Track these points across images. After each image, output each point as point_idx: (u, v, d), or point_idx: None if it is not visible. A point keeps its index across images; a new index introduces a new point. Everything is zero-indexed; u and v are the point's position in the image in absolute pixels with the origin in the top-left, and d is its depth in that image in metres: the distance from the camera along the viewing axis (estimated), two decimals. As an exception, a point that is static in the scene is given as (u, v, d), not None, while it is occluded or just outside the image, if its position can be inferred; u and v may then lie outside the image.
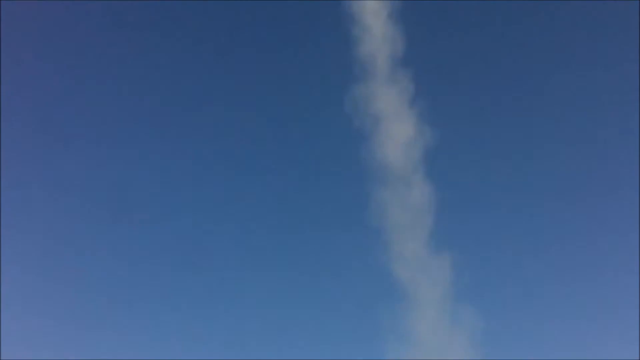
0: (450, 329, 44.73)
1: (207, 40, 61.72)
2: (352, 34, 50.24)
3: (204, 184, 59.19)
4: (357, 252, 50.80)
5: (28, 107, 75.94)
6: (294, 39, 59.38)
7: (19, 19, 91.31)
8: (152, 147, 60.71)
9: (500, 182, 59.64)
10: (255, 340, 52.25)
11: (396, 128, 49.13)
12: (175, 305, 54.92)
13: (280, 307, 52.79)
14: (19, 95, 77.66)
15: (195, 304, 55.11)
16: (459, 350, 44.22)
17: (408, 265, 47.00)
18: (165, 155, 60.58)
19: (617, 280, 52.17)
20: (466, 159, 57.99)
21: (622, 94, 65.40)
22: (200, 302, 55.26)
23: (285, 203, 56.67)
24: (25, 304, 55.18)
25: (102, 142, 67.23)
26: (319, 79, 57.17)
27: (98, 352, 51.52)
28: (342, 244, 53.69)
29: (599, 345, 48.52)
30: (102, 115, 69.50)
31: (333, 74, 54.84)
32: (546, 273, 53.43)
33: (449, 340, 45.08)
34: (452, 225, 48.21)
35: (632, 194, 55.98)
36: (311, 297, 53.34)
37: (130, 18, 61.93)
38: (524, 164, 60.75)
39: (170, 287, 56.14)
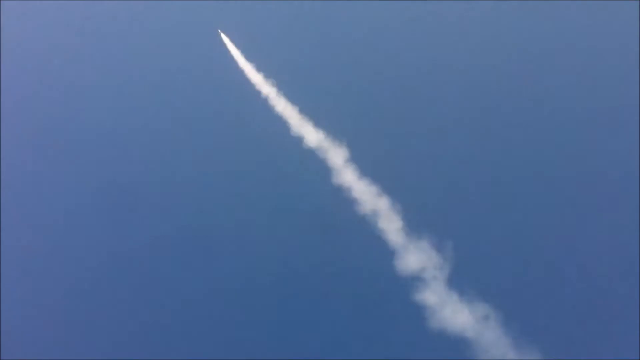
0: None
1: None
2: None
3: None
4: None
5: (28, 107, 77.43)
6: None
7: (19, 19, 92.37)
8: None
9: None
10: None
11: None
12: (175, 305, 55.05)
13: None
14: (18, 95, 78.91)
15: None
16: None
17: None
18: None
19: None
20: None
21: (622, 94, 65.54)
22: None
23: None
24: (25, 304, 55.42)
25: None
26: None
27: (98, 352, 51.69)
28: None
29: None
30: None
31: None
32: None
33: None
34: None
35: (633, 195, 56.39)
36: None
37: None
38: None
39: (170, 288, 56.39)
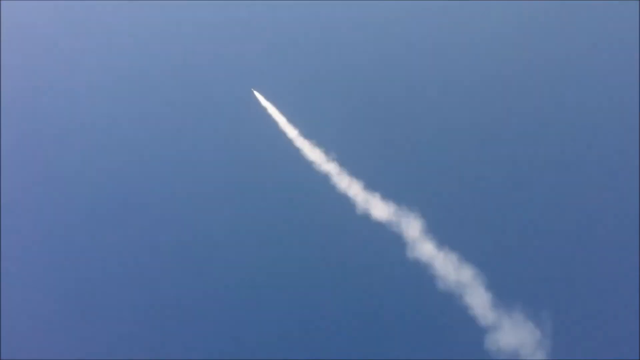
0: None
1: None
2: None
3: None
4: None
5: (28, 107, 77.36)
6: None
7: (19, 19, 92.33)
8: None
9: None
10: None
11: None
12: (175, 304, 55.13)
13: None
14: (18, 96, 78.86)
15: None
16: None
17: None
18: None
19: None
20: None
21: (622, 93, 65.47)
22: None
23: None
24: (25, 304, 55.47)
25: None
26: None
27: (98, 352, 51.69)
28: None
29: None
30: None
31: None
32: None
33: None
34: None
35: (633, 196, 56.46)
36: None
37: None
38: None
39: (171, 287, 56.51)
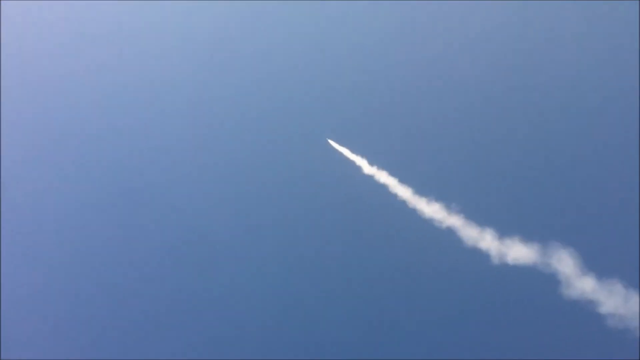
0: None
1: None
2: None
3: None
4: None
5: (28, 107, 77.37)
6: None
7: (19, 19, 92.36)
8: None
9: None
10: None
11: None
12: (176, 304, 55.08)
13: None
14: (19, 96, 78.89)
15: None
16: None
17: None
18: None
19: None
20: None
21: (622, 94, 65.46)
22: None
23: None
24: (25, 304, 55.49)
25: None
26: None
27: (98, 352, 51.71)
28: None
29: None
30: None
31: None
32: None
33: None
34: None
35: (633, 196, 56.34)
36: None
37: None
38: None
39: (172, 287, 56.46)
